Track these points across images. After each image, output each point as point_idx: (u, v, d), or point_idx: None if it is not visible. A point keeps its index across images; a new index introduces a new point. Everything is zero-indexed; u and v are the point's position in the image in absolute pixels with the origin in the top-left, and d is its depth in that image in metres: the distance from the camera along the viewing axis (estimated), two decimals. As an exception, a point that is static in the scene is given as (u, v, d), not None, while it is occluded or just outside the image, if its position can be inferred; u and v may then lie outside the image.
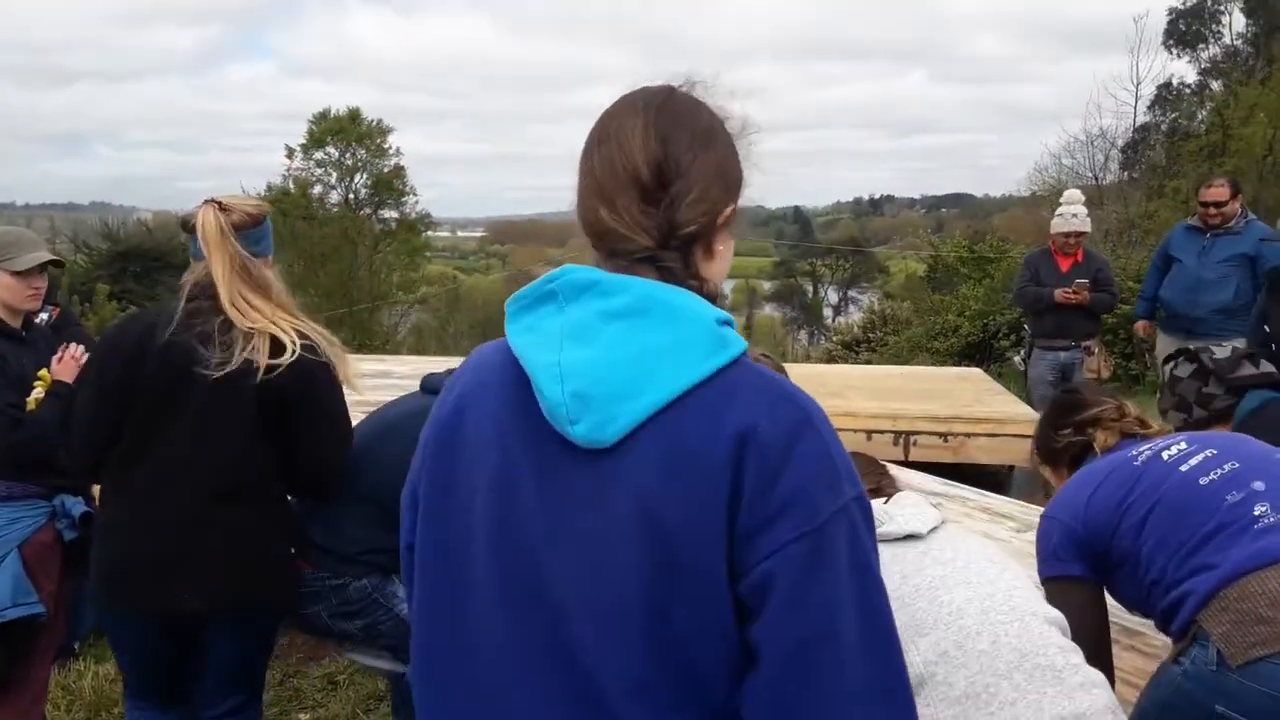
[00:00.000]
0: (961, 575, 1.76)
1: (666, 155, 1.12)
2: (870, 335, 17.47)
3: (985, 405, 6.65)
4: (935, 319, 14.14)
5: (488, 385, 1.16)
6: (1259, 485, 1.90)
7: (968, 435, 6.29)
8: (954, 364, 11.79)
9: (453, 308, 32.49)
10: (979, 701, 1.62)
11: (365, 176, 29.36)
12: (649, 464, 1.03)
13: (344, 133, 28.85)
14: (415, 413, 2.73)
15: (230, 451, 2.37)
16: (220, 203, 2.43)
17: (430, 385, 2.92)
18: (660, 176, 1.11)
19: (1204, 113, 19.10)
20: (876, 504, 1.88)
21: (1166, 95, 20.93)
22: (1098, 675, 1.68)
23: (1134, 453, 2.11)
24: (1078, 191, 7.04)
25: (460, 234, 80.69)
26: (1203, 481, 1.94)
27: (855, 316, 28.63)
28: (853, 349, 17.35)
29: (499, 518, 1.10)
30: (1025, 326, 7.44)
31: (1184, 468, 1.99)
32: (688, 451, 1.02)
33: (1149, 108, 20.59)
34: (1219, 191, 6.05)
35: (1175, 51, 20.88)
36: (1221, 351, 2.73)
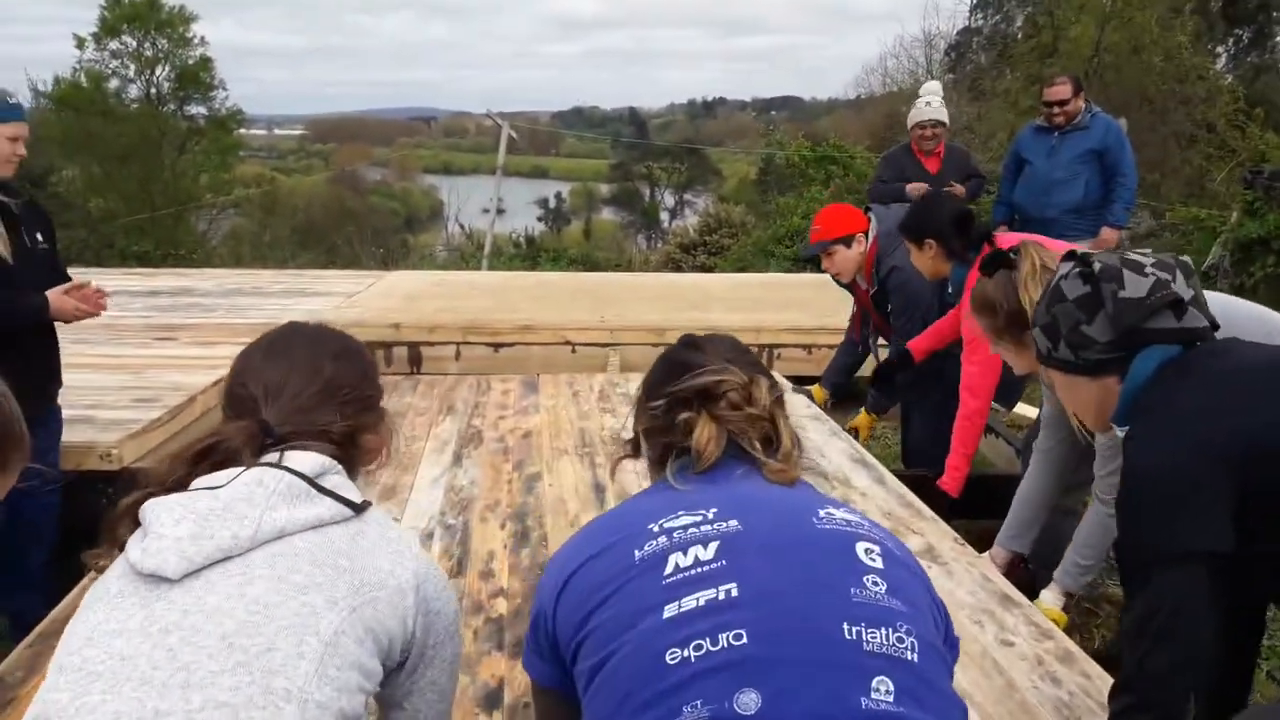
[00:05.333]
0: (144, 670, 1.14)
1: None
2: (706, 239, 17.44)
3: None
4: (780, 222, 13.93)
5: None
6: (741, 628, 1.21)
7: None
8: (801, 269, 11.58)
9: (270, 211, 30.50)
10: None
11: (168, 69, 26.87)
12: None
13: (141, 20, 26.22)
14: None
15: None
16: None
17: None
18: None
19: (1023, 16, 19.44)
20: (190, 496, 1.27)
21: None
22: None
23: (653, 524, 1.35)
24: (936, 82, 6.80)
25: (278, 132, 76.28)
26: (667, 614, 1.25)
27: (691, 220, 28.39)
28: (690, 252, 17.29)
29: None
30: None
31: (665, 583, 1.28)
32: None
33: (971, 10, 20.88)
34: (1060, 90, 6.06)
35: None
36: (1137, 283, 1.78)
